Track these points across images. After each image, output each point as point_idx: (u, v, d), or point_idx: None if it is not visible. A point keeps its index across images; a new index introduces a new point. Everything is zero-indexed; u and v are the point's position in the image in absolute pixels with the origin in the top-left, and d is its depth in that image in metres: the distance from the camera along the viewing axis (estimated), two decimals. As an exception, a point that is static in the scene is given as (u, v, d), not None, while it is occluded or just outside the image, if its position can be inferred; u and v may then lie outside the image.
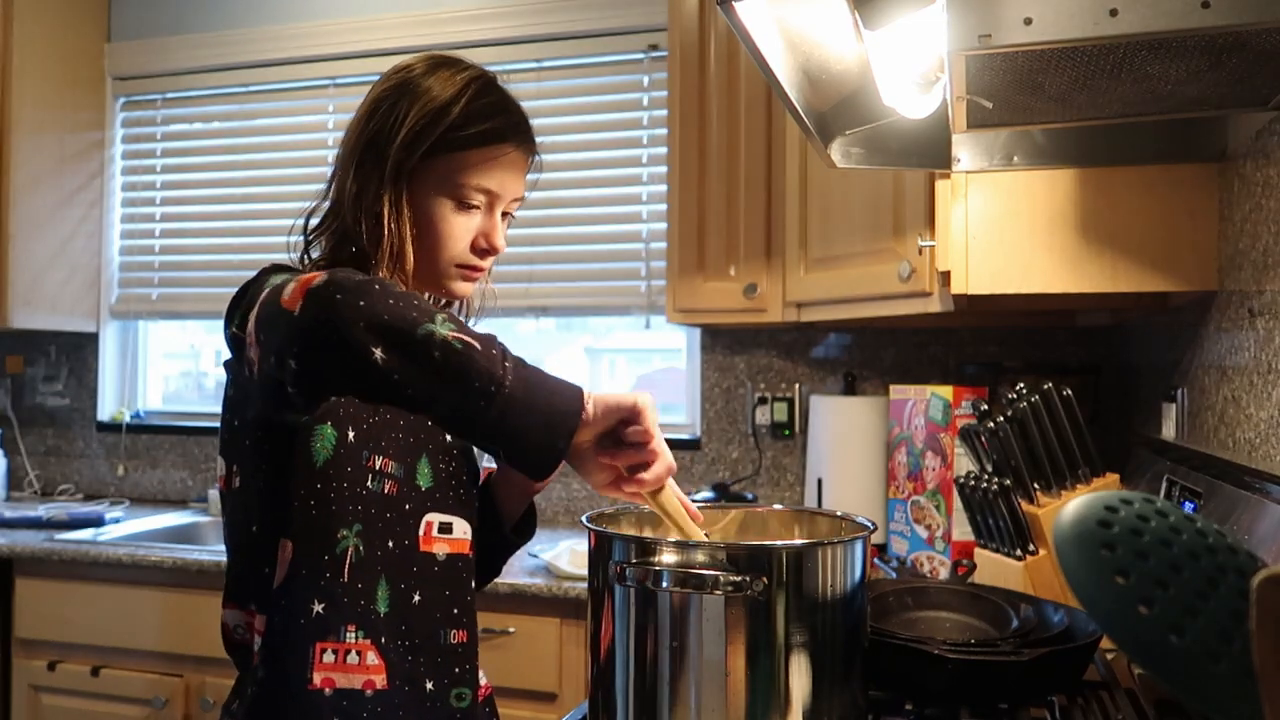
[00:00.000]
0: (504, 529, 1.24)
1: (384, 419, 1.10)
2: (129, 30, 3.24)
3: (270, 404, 1.00)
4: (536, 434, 0.84)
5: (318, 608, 1.04)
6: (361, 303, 0.82)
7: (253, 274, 1.04)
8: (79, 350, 3.27)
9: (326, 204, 1.15)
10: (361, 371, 0.82)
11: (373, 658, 1.06)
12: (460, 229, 1.12)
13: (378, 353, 0.82)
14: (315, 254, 1.14)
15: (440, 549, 1.14)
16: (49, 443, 3.30)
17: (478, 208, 1.13)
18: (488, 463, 1.23)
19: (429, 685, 1.11)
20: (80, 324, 3.18)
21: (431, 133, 1.09)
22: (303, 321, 0.84)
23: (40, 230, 3.00)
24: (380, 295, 0.83)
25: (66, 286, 3.11)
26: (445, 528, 1.15)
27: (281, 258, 1.13)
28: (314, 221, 1.15)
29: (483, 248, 1.14)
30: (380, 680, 1.06)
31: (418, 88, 1.11)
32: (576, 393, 0.87)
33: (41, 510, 2.78)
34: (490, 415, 0.83)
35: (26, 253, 2.94)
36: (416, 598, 1.11)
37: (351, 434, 1.07)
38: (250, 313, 0.93)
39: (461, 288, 1.16)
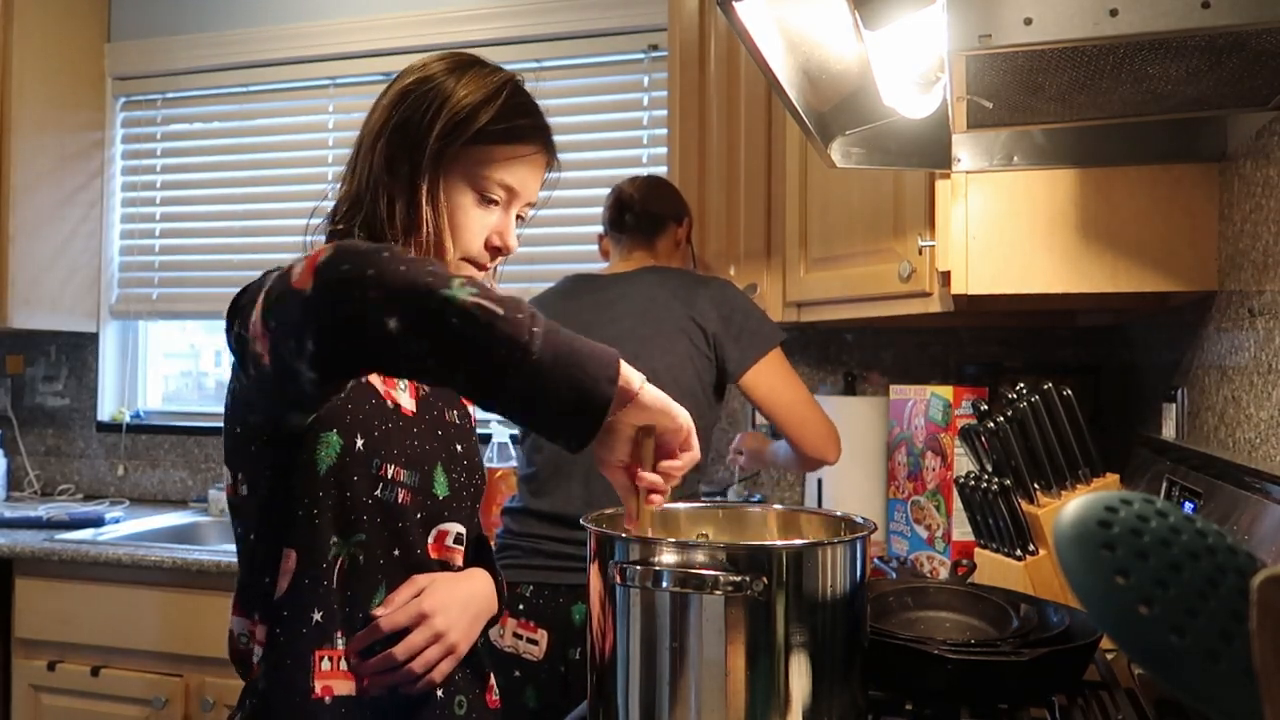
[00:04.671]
0: None
1: (395, 426, 1.07)
2: (129, 30, 3.24)
3: (279, 401, 0.96)
4: (567, 404, 0.80)
5: (317, 616, 1.02)
6: (370, 271, 0.78)
7: (252, 274, 1.03)
8: (79, 350, 3.27)
9: (338, 195, 1.13)
10: (379, 345, 0.79)
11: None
12: (478, 223, 1.12)
13: (392, 323, 0.78)
14: None
15: (451, 558, 1.13)
16: (49, 443, 3.30)
17: (497, 203, 1.13)
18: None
19: (439, 693, 1.09)
20: (80, 324, 3.18)
21: (468, 127, 1.09)
22: (315, 299, 0.80)
23: (40, 230, 3.00)
24: (390, 262, 0.79)
25: (66, 286, 3.11)
26: (459, 538, 1.14)
27: (284, 258, 1.13)
28: (319, 218, 1.14)
29: (495, 245, 1.14)
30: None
31: (447, 84, 1.10)
32: (611, 359, 0.82)
33: (41, 510, 2.78)
34: (514, 385, 0.79)
35: (26, 253, 2.94)
36: None
37: (360, 442, 1.03)
38: (253, 309, 0.90)
39: None
